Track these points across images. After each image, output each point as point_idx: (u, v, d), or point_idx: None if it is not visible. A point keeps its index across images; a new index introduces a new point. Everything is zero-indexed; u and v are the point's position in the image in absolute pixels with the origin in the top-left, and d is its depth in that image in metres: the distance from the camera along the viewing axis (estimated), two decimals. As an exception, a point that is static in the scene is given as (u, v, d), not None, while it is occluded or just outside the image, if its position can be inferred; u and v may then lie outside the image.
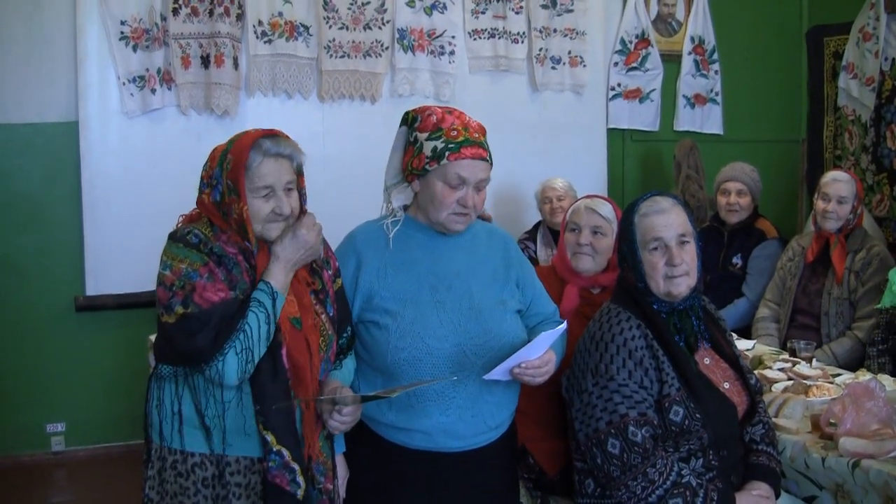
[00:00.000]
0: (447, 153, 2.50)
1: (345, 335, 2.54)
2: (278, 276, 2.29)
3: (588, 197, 3.22)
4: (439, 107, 2.62)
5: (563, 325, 2.50)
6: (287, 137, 2.38)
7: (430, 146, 2.52)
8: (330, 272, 2.52)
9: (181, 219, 2.39)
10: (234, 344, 2.20)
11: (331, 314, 2.46)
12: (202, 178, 2.36)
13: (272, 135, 2.34)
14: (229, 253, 2.29)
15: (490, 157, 2.58)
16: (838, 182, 4.24)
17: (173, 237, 2.32)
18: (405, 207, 2.68)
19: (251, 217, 2.28)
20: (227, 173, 2.28)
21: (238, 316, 2.22)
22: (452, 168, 2.50)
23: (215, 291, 2.23)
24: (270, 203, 2.30)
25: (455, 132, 2.52)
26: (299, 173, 2.40)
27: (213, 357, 2.20)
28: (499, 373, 2.47)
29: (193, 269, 2.23)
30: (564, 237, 3.17)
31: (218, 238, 2.30)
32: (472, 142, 2.52)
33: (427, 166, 2.53)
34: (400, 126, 2.65)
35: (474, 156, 2.51)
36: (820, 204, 4.27)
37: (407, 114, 2.65)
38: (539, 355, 2.48)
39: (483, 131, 2.59)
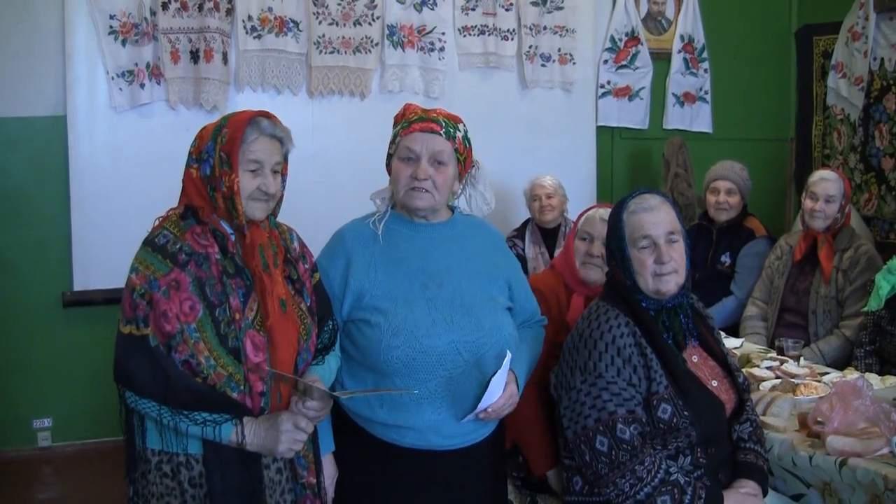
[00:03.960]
0: (401, 131, 2.59)
1: (326, 329, 2.53)
2: (255, 431, 2.28)
3: (602, 206, 3.16)
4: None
5: (508, 356, 2.51)
6: (280, 122, 2.42)
7: (394, 133, 2.62)
8: (306, 266, 2.53)
9: (157, 222, 2.39)
10: (161, 412, 2.23)
11: (308, 304, 2.47)
12: (190, 154, 2.37)
13: (268, 116, 2.39)
14: (198, 249, 2.29)
15: (446, 131, 2.59)
16: (826, 181, 4.25)
17: (145, 241, 2.33)
18: (393, 205, 2.70)
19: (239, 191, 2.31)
20: (221, 146, 2.30)
21: (187, 404, 2.22)
22: (403, 143, 2.58)
23: (172, 312, 2.22)
24: (257, 180, 2.33)
25: (413, 115, 2.61)
26: (285, 159, 2.45)
27: (134, 394, 2.25)
28: (472, 417, 2.55)
29: (155, 279, 2.24)
30: (574, 245, 3.11)
31: (185, 234, 2.31)
32: (425, 118, 2.59)
33: (390, 151, 2.62)
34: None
35: (423, 129, 2.57)
36: (808, 203, 4.28)
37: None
38: (500, 394, 2.53)
39: (447, 115, 2.64)
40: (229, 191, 2.29)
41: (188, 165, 2.37)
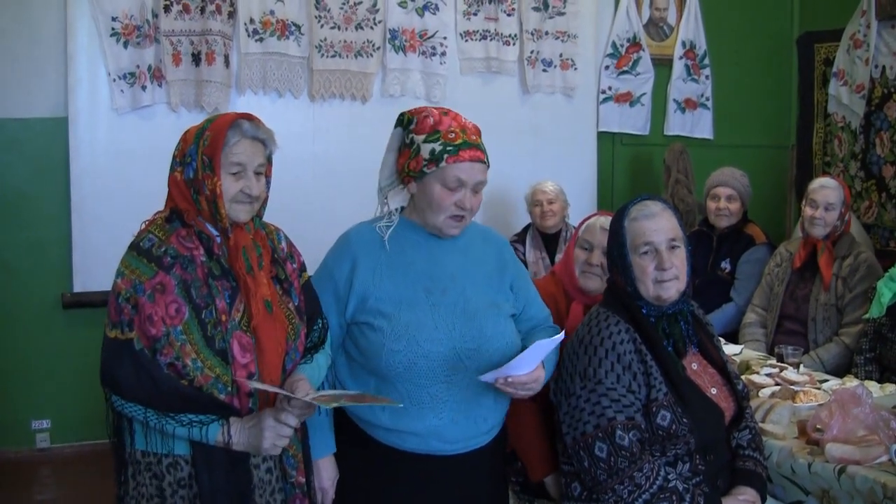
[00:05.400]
0: (445, 156, 2.47)
1: (316, 328, 2.52)
2: (240, 430, 2.27)
3: (603, 214, 3.13)
4: (435, 108, 2.59)
5: (561, 335, 2.46)
6: (263, 123, 2.40)
7: (428, 149, 2.49)
8: (294, 266, 2.52)
9: (143, 225, 2.39)
10: (147, 415, 2.24)
11: (296, 304, 2.46)
12: (174, 158, 2.36)
13: (249, 118, 2.37)
14: (183, 252, 2.29)
15: (487, 158, 2.56)
16: (826, 188, 4.25)
17: (130, 245, 2.33)
18: (401, 209, 2.68)
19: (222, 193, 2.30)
20: (203, 149, 2.29)
21: (174, 406, 2.22)
22: (451, 171, 2.48)
23: (157, 315, 2.22)
24: (240, 182, 2.32)
25: (453, 134, 2.50)
26: (269, 161, 2.43)
27: (120, 397, 2.26)
28: (492, 377, 2.45)
29: (140, 282, 2.24)
30: (574, 253, 3.10)
31: (170, 237, 2.30)
32: (471, 144, 2.51)
33: (425, 169, 2.50)
34: (395, 127, 2.63)
35: (472, 158, 2.50)
36: (808, 210, 4.28)
37: (402, 115, 2.62)
38: (530, 370, 2.46)
39: (479, 133, 2.58)
40: (212, 194, 2.28)
41: (172, 169, 2.36)
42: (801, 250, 4.34)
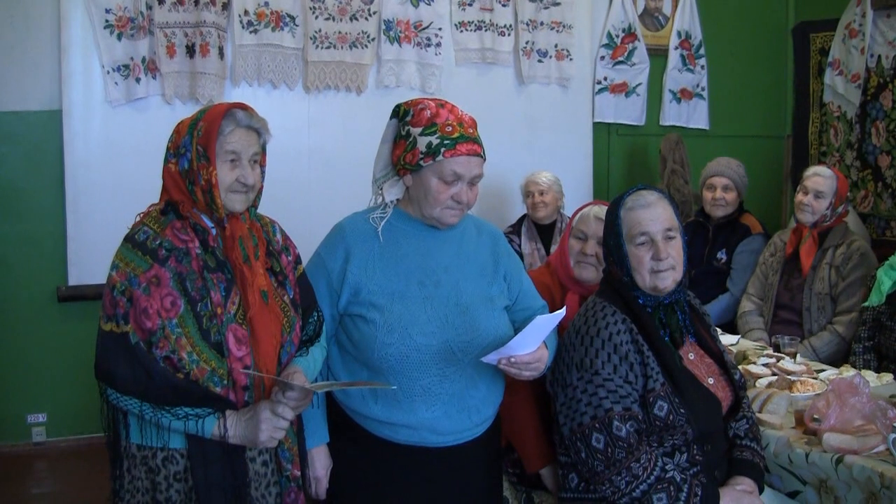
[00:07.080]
0: (443, 149, 2.47)
1: (311, 321, 2.52)
2: (237, 423, 2.27)
3: (597, 204, 3.12)
4: (431, 100, 2.57)
5: (561, 312, 2.43)
6: (257, 113, 2.40)
7: (425, 141, 2.48)
8: (289, 258, 2.52)
9: (138, 218, 2.38)
10: (143, 408, 2.22)
11: (291, 296, 2.46)
12: (168, 150, 2.36)
13: (243, 107, 2.37)
14: (178, 244, 2.29)
15: (484, 152, 2.56)
16: (818, 176, 4.26)
17: (125, 238, 2.32)
18: (396, 202, 2.66)
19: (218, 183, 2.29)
20: (198, 139, 2.29)
21: (170, 398, 2.21)
22: (448, 164, 2.48)
23: (152, 309, 2.21)
24: (235, 171, 2.32)
25: (450, 128, 2.49)
26: (263, 150, 2.43)
27: (115, 391, 2.25)
28: (493, 358, 2.44)
29: (135, 275, 2.24)
30: (569, 243, 3.09)
31: (165, 230, 2.30)
32: (468, 138, 2.50)
33: (421, 162, 2.49)
34: (390, 118, 2.62)
35: (470, 152, 2.49)
36: (798, 195, 4.30)
37: (398, 107, 2.60)
38: (532, 350, 2.44)
39: (475, 126, 2.56)
40: (207, 184, 2.28)
41: (166, 161, 2.36)
42: (792, 237, 4.35)
